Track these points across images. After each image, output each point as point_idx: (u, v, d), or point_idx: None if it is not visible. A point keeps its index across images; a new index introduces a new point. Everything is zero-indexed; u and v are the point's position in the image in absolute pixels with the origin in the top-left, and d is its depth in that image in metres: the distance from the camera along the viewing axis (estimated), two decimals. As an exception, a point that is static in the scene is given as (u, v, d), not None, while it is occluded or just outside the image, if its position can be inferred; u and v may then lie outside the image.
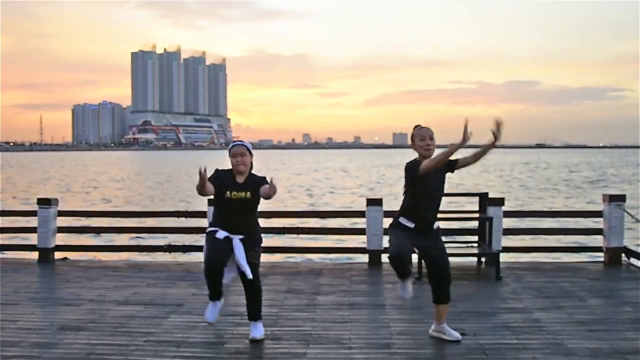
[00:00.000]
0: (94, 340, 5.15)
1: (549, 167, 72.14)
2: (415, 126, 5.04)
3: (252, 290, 5.25)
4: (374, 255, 8.46)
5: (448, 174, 5.07)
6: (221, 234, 5.08)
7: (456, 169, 5.01)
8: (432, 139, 4.94)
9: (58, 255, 8.99)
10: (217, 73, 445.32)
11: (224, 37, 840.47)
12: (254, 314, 5.28)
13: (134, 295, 6.78)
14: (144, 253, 10.01)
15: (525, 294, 6.79)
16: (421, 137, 4.95)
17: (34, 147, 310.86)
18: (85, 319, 5.80)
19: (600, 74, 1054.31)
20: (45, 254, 8.76)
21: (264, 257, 9.29)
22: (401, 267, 5.02)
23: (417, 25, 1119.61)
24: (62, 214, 9.15)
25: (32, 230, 8.99)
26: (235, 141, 5.25)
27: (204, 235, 5.21)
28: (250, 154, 5.15)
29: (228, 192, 5.07)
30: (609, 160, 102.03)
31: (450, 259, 8.39)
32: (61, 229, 9.10)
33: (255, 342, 5.12)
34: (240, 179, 5.11)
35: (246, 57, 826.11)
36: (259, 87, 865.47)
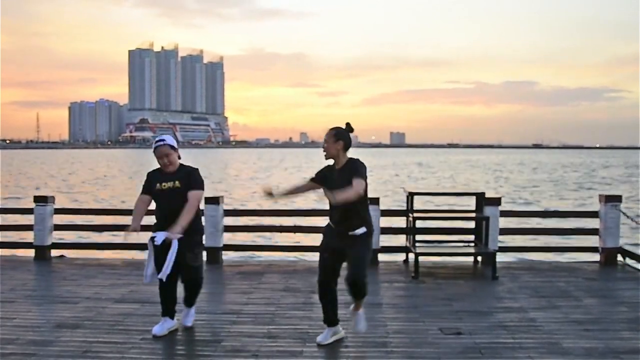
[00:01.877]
0: (90, 338, 5.15)
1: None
2: None
3: (191, 285, 5.35)
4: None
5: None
6: (160, 238, 5.07)
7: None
8: (326, 142, 4.91)
9: (54, 252, 8.98)
10: (214, 71, 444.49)
11: (222, 35, 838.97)
12: (188, 300, 5.40)
13: (130, 293, 6.78)
14: (141, 251, 9.98)
15: (521, 293, 6.81)
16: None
17: (30, 144, 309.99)
18: (81, 317, 5.80)
19: (597, 75, 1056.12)
20: (42, 251, 8.76)
21: (261, 255, 9.38)
22: (324, 303, 5.03)
23: (415, 25, 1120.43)
24: (58, 211, 9.14)
25: (28, 227, 8.98)
26: (157, 141, 5.21)
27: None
28: (175, 149, 5.19)
29: (158, 184, 5.16)
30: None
31: (447, 258, 8.56)
32: (58, 227, 9.09)
33: (250, 340, 5.12)
34: (169, 169, 5.17)
35: (244, 56, 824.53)
36: (257, 86, 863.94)
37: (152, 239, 5.18)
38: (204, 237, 5.68)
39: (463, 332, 5.32)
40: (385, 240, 8.74)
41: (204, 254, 7.39)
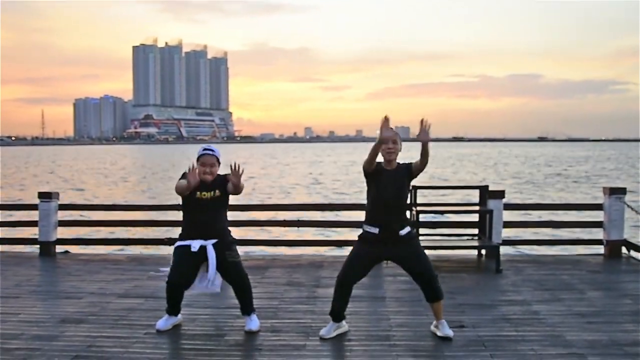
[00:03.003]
0: (94, 333, 5.18)
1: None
2: None
3: (240, 288, 5.31)
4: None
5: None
6: (195, 246, 5.12)
7: (414, 173, 4.98)
8: (395, 142, 4.94)
9: (59, 248, 9.02)
10: (218, 67, 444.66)
11: (226, 30, 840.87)
12: (246, 308, 5.34)
13: (134, 288, 6.80)
14: (145, 246, 10.02)
15: (524, 286, 6.80)
16: (385, 140, 4.92)
17: (36, 141, 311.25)
18: (86, 312, 5.82)
19: (603, 67, 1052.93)
20: (47, 247, 8.78)
21: (265, 250, 9.39)
22: (341, 298, 5.05)
23: (419, 18, 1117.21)
24: (63, 207, 9.17)
25: (33, 223, 9.02)
26: (205, 149, 5.22)
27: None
28: (219, 163, 5.22)
29: (198, 193, 5.13)
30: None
31: (451, 252, 8.56)
32: (62, 223, 9.12)
33: (254, 334, 5.15)
34: (207, 179, 5.16)
35: (248, 51, 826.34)
36: (261, 81, 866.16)
37: (180, 246, 5.20)
38: None
39: (466, 325, 5.33)
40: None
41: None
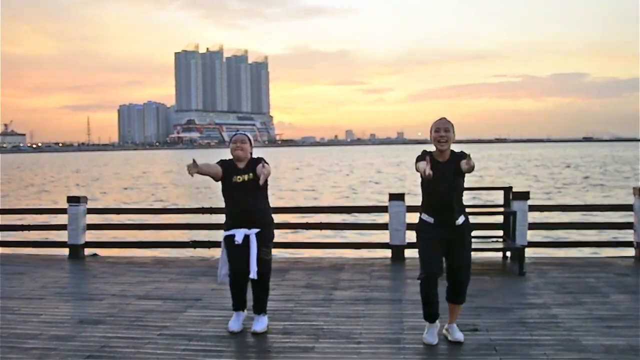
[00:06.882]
0: (109, 334, 5.28)
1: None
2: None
3: (260, 287, 5.34)
4: (397, 250, 8.40)
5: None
6: (239, 236, 5.17)
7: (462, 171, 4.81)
8: (447, 130, 4.80)
9: (88, 251, 9.21)
10: (259, 71, 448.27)
11: (266, 35, 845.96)
12: (258, 307, 5.37)
13: (155, 290, 6.90)
14: (171, 249, 10.14)
15: (546, 289, 6.66)
16: (436, 128, 4.83)
17: (82, 147, 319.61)
18: (104, 313, 5.94)
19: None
20: (75, 250, 8.99)
21: (287, 252, 9.40)
22: (426, 297, 4.94)
23: (459, 19, 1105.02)
24: (91, 211, 9.37)
25: (63, 227, 9.23)
26: (236, 131, 5.49)
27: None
28: (251, 144, 5.35)
29: (233, 177, 5.23)
30: None
31: (475, 254, 8.38)
32: (91, 226, 9.31)
33: (264, 336, 5.17)
34: (241, 165, 5.29)
35: (288, 55, 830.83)
36: (301, 85, 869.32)
37: (227, 237, 5.28)
38: None
39: (480, 329, 5.24)
40: (412, 236, 8.64)
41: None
